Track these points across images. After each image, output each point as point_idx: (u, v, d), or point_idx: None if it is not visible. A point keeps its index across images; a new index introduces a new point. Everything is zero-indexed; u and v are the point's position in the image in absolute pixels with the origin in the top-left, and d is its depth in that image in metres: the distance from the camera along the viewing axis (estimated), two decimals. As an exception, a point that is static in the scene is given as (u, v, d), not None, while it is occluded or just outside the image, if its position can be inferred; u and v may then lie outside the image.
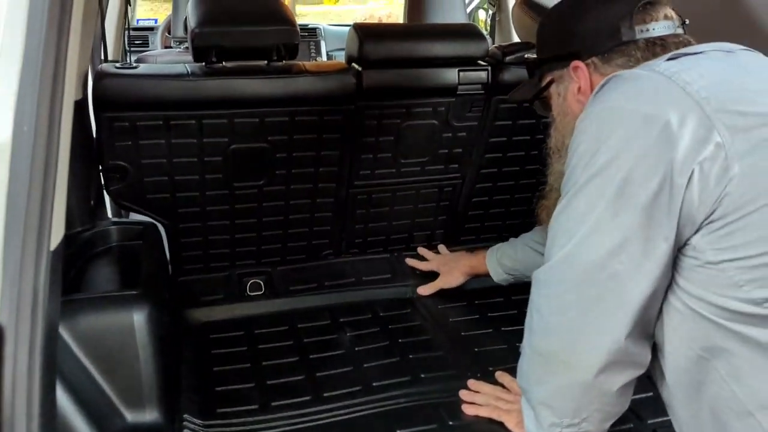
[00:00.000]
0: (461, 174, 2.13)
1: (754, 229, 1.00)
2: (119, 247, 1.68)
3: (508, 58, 1.94)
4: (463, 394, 1.55)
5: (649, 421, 1.48)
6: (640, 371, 1.17)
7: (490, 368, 1.69)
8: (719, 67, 1.09)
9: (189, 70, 1.70)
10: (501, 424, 1.45)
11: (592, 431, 1.22)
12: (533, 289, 1.25)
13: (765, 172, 1.00)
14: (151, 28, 3.96)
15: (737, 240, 1.01)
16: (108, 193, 1.83)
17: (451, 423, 1.48)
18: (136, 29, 3.95)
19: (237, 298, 2.02)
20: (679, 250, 1.07)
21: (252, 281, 2.08)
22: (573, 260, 1.12)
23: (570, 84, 1.30)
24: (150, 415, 1.32)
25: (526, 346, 1.27)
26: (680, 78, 1.04)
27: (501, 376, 1.62)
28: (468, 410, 1.50)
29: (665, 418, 1.44)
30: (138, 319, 1.32)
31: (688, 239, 1.05)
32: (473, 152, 2.07)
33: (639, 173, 1.03)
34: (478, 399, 1.53)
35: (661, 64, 1.09)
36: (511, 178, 2.19)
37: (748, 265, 1.01)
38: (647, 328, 1.13)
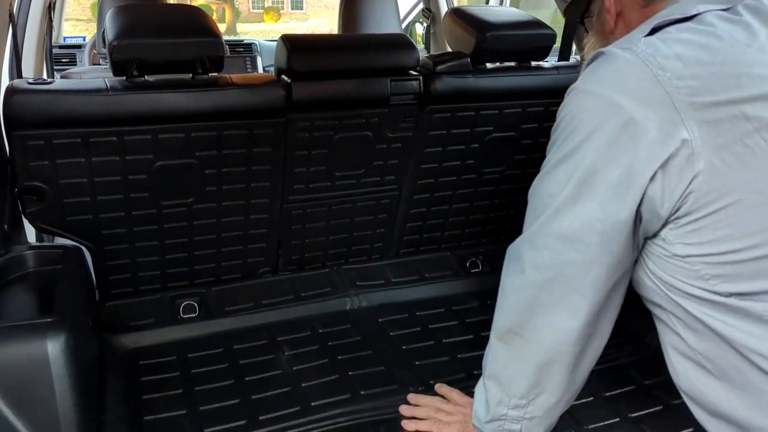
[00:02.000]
0: (398, 186, 2.11)
1: (721, 226, 1.00)
2: (36, 273, 1.58)
3: (439, 68, 1.94)
4: (403, 409, 1.53)
5: (589, 426, 1.48)
6: (594, 356, 1.20)
7: (432, 381, 1.67)
8: (704, 41, 1.02)
9: (108, 85, 1.62)
10: (443, 438, 1.43)
11: (537, 417, 1.21)
12: (504, 264, 1.26)
13: (733, 169, 0.98)
14: (78, 46, 3.81)
15: (704, 236, 1.01)
16: (25, 216, 1.72)
17: (391, 439, 1.45)
18: (62, 47, 3.81)
19: (169, 321, 1.93)
20: (648, 238, 1.09)
21: (185, 303, 1.99)
22: (534, 241, 1.13)
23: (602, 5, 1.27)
24: None
25: (493, 324, 1.28)
26: (655, 62, 1.00)
27: (439, 387, 1.60)
28: (408, 426, 1.47)
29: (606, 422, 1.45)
30: (53, 348, 1.23)
31: (657, 232, 1.06)
32: (409, 163, 2.06)
33: (601, 163, 1.03)
34: (418, 412, 1.50)
35: (641, 40, 1.05)
36: (448, 188, 2.18)
37: (715, 261, 1.02)
38: (607, 312, 1.15)
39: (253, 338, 1.88)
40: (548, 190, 1.11)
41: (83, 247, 1.81)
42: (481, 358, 1.76)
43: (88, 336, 1.55)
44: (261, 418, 1.53)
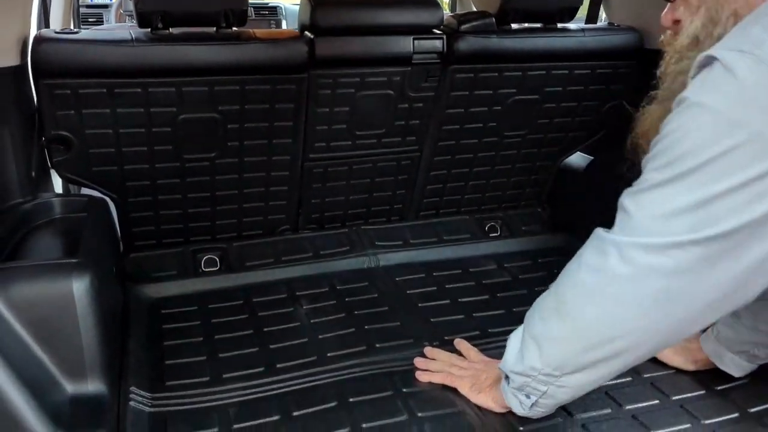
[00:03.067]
0: (419, 147, 2.11)
1: None
2: (62, 219, 1.62)
3: (463, 27, 1.92)
4: (418, 361, 1.55)
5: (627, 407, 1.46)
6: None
7: (446, 337, 1.68)
8: None
9: (133, 36, 1.64)
10: (454, 390, 1.45)
11: (568, 388, 1.18)
12: (593, 245, 1.11)
13: None
14: (105, 6, 3.84)
15: None
16: (52, 166, 1.76)
17: (404, 390, 1.47)
18: (89, 6, 3.84)
19: (191, 273, 1.97)
20: None
21: (207, 257, 2.03)
22: (661, 263, 0.99)
23: None
24: (93, 386, 1.28)
25: (556, 285, 1.18)
26: None
27: (459, 343, 1.62)
28: (422, 377, 1.50)
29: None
30: (78, 287, 1.27)
31: None
32: (430, 124, 2.05)
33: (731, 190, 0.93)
34: (432, 366, 1.52)
35: (766, 42, 0.91)
36: (469, 151, 2.17)
37: None
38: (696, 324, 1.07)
39: (272, 292, 1.92)
40: (661, 210, 0.99)
41: (108, 199, 1.85)
42: (495, 318, 1.80)
43: (112, 281, 1.59)
44: (278, 366, 1.57)
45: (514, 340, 1.28)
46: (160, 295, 1.87)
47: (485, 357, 1.54)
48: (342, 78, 1.85)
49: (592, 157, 2.31)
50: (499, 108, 2.07)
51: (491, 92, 2.03)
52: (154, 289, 1.89)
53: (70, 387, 1.26)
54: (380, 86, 1.91)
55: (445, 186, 2.25)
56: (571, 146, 2.29)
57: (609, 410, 1.41)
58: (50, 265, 1.31)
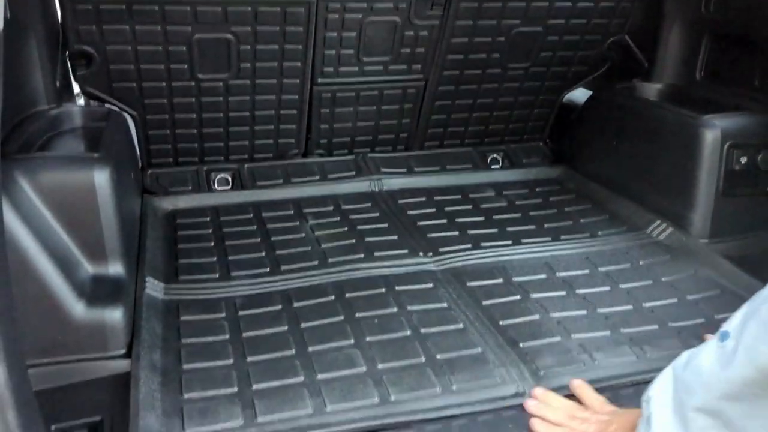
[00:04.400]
0: (424, 75, 2.18)
1: None
2: (84, 127, 1.74)
3: (469, -45, 1.98)
4: (530, 406, 1.25)
5: None
6: None
7: (440, 248, 1.79)
8: None
9: None
10: (442, 290, 1.56)
11: None
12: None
13: None
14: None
15: None
16: (75, 80, 1.88)
17: (397, 288, 1.58)
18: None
19: (204, 190, 2.10)
20: None
21: (220, 176, 2.15)
22: None
23: None
24: (112, 269, 1.41)
25: (721, 346, 0.91)
26: None
27: (578, 387, 1.28)
28: (537, 427, 1.21)
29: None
30: (99, 178, 1.39)
31: None
32: (435, 53, 2.12)
33: None
34: (549, 415, 1.23)
35: None
36: (473, 82, 2.25)
37: None
38: None
39: (280, 208, 2.03)
40: None
41: (128, 116, 1.97)
42: (488, 235, 1.89)
43: (131, 183, 1.72)
44: (283, 268, 1.69)
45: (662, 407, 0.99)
46: (176, 207, 2.00)
47: (611, 406, 1.23)
48: (350, 2, 1.92)
49: (592, 92, 2.37)
50: (503, 39, 2.14)
51: (495, 22, 2.09)
52: (170, 201, 2.01)
53: (91, 267, 1.39)
54: (387, 12, 1.98)
55: (449, 117, 2.33)
56: (573, 81, 2.35)
57: None
58: (74, 158, 1.43)
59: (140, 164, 2.09)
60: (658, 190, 1.93)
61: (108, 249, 1.40)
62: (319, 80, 2.08)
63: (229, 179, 2.17)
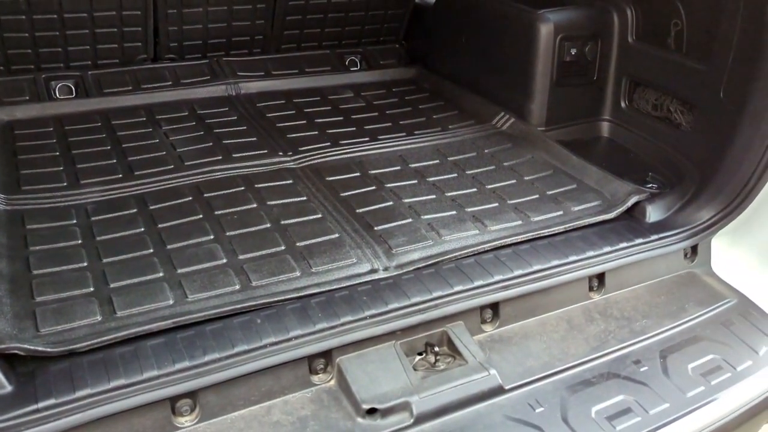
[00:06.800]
0: None
1: None
2: None
3: None
4: None
5: None
6: None
7: (300, 147, 1.82)
8: None
9: None
10: (300, 184, 1.61)
11: None
12: None
13: None
14: None
15: None
16: None
17: (256, 186, 1.60)
18: None
19: (44, 99, 1.96)
20: None
21: (61, 84, 2.01)
22: None
23: None
24: None
25: None
26: None
27: None
28: None
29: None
30: None
31: None
32: None
33: None
34: None
35: None
36: None
37: None
38: None
39: (130, 116, 1.95)
40: None
41: None
42: (347, 133, 1.94)
43: None
44: (136, 173, 1.65)
45: None
46: (13, 117, 1.86)
47: None
48: None
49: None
50: None
51: None
52: (5, 112, 1.87)
53: None
54: None
55: (304, 17, 2.31)
56: (425, -20, 2.39)
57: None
58: None
59: None
60: (502, 84, 2.06)
61: None
62: None
63: (72, 87, 2.03)
